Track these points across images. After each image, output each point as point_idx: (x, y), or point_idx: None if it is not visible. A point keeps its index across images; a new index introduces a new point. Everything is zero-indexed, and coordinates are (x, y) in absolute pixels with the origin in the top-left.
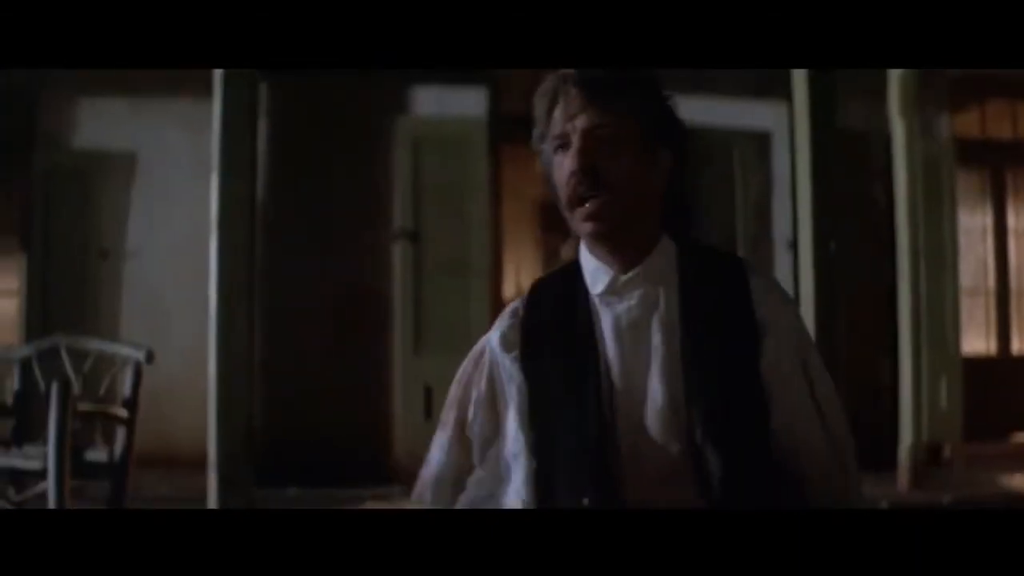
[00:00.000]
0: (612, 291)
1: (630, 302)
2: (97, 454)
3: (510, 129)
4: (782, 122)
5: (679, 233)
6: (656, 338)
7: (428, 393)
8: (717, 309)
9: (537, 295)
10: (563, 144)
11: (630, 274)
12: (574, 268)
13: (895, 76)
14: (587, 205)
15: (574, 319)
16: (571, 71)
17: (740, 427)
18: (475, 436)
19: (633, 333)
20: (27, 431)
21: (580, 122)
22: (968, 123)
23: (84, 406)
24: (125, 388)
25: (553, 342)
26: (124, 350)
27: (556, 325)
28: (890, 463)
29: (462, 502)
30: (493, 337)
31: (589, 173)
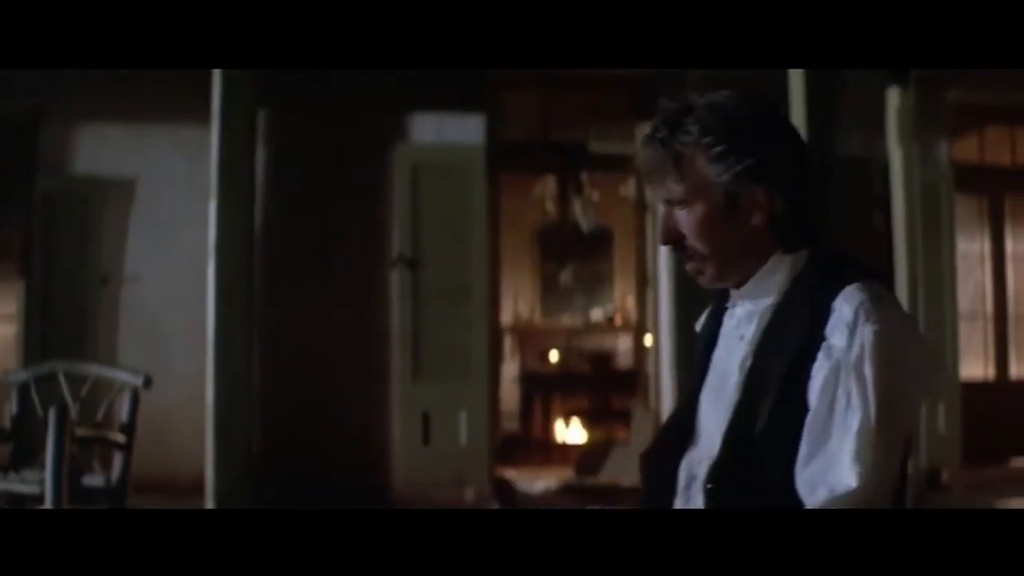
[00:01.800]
0: (732, 303)
1: (737, 315)
2: (95, 479)
3: (508, 157)
4: None
5: (804, 245)
6: (739, 353)
7: (427, 420)
8: (790, 325)
9: (718, 298)
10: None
11: (741, 290)
12: None
13: (892, 104)
14: (687, 265)
15: (713, 324)
16: (647, 135)
17: (764, 456)
18: None
19: (729, 343)
20: (25, 456)
21: (659, 192)
22: (967, 149)
23: (82, 431)
24: (122, 413)
25: (699, 343)
26: (122, 375)
27: (705, 326)
28: None
29: None
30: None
31: (674, 245)
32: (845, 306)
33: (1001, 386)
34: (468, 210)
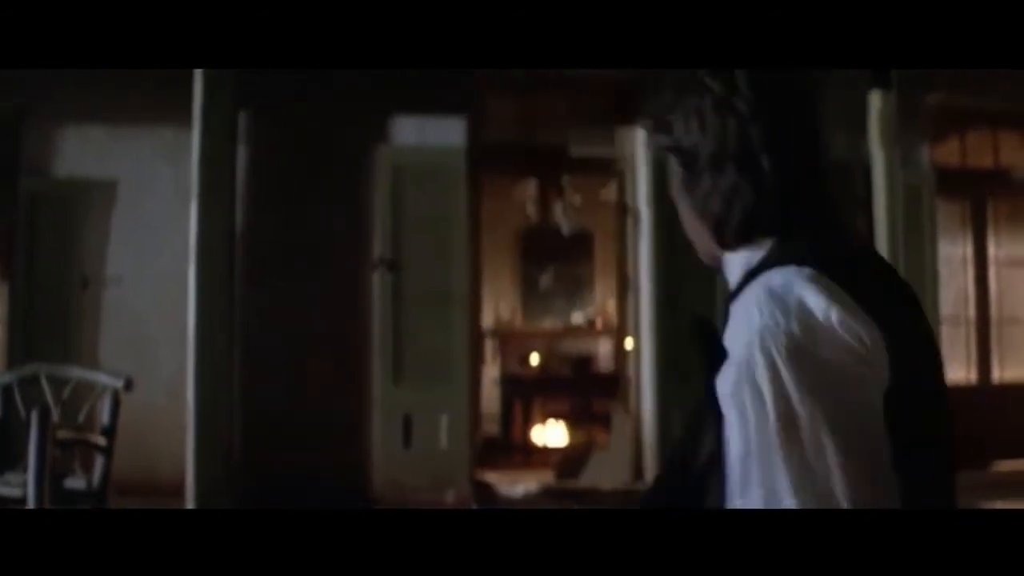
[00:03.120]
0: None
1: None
2: (76, 482)
3: (490, 160)
4: None
5: (766, 236)
6: None
7: (407, 423)
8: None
9: None
10: None
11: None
12: None
13: (875, 106)
14: None
15: None
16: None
17: (700, 488)
18: None
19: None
20: (7, 458)
21: None
22: (949, 153)
23: (63, 434)
24: (103, 416)
25: None
26: (103, 378)
27: None
28: None
29: None
30: None
31: None
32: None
33: (983, 390)
34: (449, 213)
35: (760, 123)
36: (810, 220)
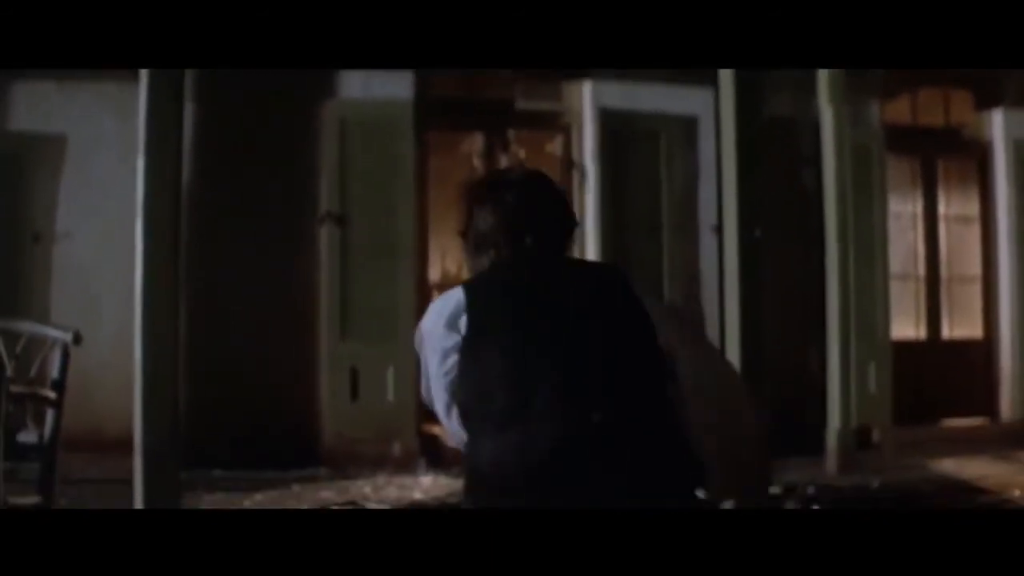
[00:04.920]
0: None
1: None
2: (28, 436)
3: (436, 114)
4: (709, 107)
5: None
6: None
7: (355, 375)
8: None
9: None
10: None
11: None
12: None
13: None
14: None
15: None
16: None
17: None
18: None
19: None
20: None
21: None
22: (899, 111)
23: (16, 388)
24: (54, 370)
25: None
26: (52, 332)
27: None
28: (818, 447)
29: None
30: None
31: None
32: None
33: (932, 346)
34: (396, 166)
35: None
36: None
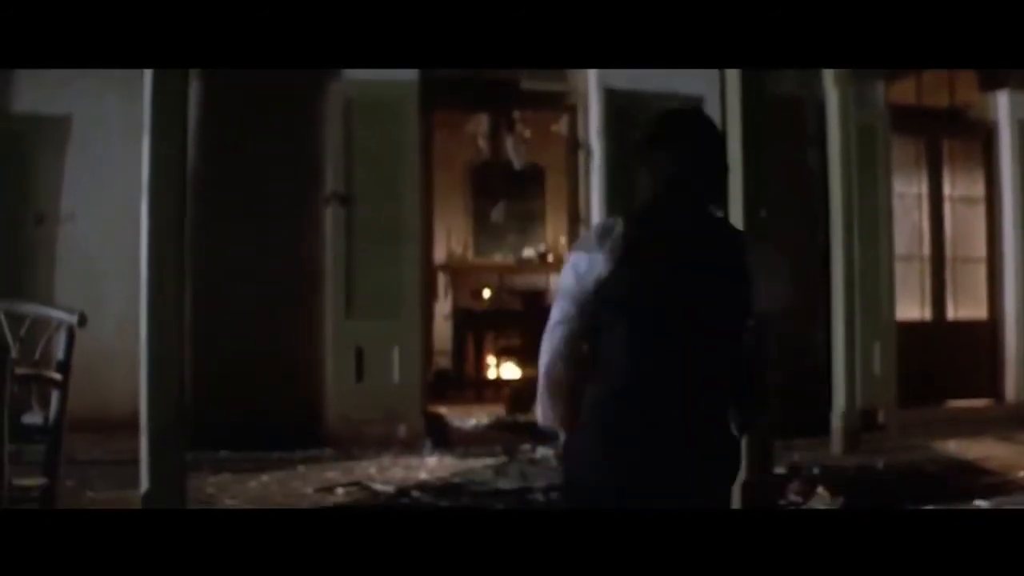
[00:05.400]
0: None
1: None
2: (34, 417)
3: (441, 94)
4: (714, 86)
5: None
6: None
7: (360, 356)
8: None
9: None
10: None
11: None
12: None
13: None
14: None
15: None
16: None
17: None
18: None
19: None
20: None
21: None
22: (904, 91)
23: (21, 369)
24: (58, 352)
25: None
26: (57, 314)
27: None
28: (824, 428)
29: None
30: None
31: None
32: None
33: (937, 327)
34: (401, 147)
35: None
36: None
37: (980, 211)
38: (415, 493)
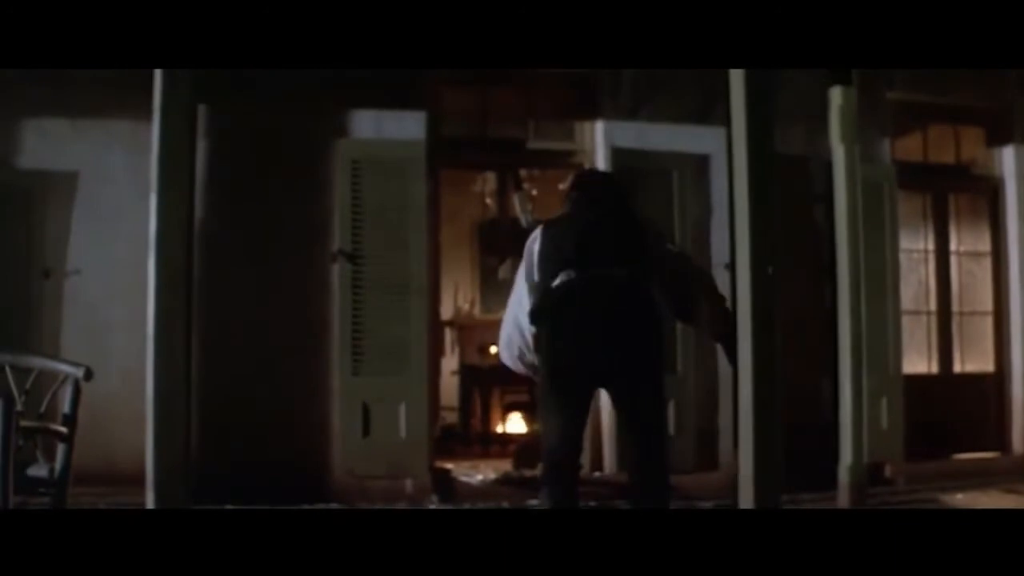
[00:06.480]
0: None
1: None
2: (39, 470)
3: (448, 153)
4: (721, 145)
5: None
6: None
7: (367, 412)
8: None
9: None
10: None
11: None
12: None
13: (835, 102)
14: None
15: None
16: None
17: None
18: None
19: None
20: None
21: None
22: (910, 148)
23: (27, 423)
24: (64, 405)
25: None
26: (63, 367)
27: None
28: (831, 483)
29: None
30: None
31: None
32: None
33: (944, 380)
34: (408, 205)
35: None
36: None
37: (986, 265)
38: None
